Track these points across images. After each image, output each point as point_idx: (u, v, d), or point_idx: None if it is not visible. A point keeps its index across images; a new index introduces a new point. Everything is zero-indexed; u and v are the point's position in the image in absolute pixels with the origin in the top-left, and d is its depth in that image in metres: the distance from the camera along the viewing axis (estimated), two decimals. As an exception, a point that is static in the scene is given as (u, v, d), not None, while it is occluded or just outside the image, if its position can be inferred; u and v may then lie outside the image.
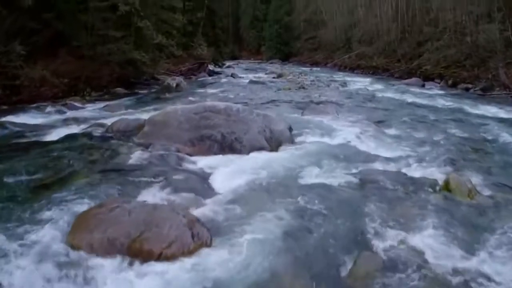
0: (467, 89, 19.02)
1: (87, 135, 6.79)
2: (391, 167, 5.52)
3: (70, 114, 10.21)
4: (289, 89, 16.23)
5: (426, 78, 23.46)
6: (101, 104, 11.70)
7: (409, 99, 14.38)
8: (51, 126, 7.87)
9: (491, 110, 11.82)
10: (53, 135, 6.91)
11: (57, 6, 14.30)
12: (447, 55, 23.23)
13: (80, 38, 14.92)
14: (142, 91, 16.14)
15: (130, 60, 16.29)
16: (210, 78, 23.85)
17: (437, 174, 5.18)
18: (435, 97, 15.32)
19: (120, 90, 15.58)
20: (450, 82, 21.14)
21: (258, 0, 64.55)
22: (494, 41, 19.21)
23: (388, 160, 5.82)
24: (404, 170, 5.38)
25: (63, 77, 13.71)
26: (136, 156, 5.47)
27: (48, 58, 14.08)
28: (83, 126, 7.61)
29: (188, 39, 26.50)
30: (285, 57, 54.21)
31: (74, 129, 7.47)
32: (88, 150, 5.77)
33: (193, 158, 5.68)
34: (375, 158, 5.93)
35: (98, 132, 6.95)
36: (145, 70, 17.81)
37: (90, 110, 11.01)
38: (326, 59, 44.29)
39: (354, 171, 5.27)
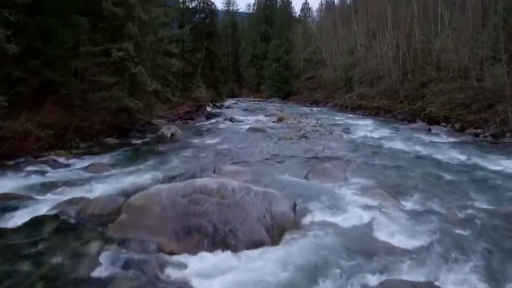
0: (476, 135, 18.17)
1: (54, 219, 5.73)
2: (419, 273, 4.44)
3: (49, 176, 9.20)
4: (290, 138, 15.33)
5: (431, 120, 22.71)
6: (87, 162, 10.71)
7: (419, 150, 13.47)
8: (19, 199, 6.83)
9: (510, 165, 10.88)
10: (15, 218, 5.86)
11: (46, 52, 13.57)
12: (452, 97, 22.60)
13: (69, 86, 14.10)
14: (135, 141, 15.22)
15: (123, 108, 15.48)
16: (207, 122, 23.06)
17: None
18: (446, 147, 14.39)
19: (111, 140, 14.67)
20: (457, 126, 20.35)
21: (258, 39, 65.22)
22: (502, 84, 18.55)
23: (414, 260, 4.75)
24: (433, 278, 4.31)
25: (50, 128, 12.76)
26: (105, 261, 4.40)
27: (34, 108, 13.24)
28: (54, 202, 6.56)
29: (186, 80, 25.99)
30: (285, 96, 54.15)
31: (43, 206, 6.41)
32: (46, 250, 4.71)
33: (177, 259, 4.62)
34: (398, 255, 4.87)
35: (69, 214, 5.90)
36: (139, 117, 17.01)
37: (72, 169, 10.01)
38: (326, 98, 43.99)
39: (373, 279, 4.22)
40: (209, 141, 15.26)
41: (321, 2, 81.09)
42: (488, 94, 19.94)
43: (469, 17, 24.79)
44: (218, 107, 31.66)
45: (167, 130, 15.63)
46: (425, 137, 17.13)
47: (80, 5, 14.73)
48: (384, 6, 40.32)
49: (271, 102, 49.79)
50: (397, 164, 10.86)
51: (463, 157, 12.09)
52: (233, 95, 65.09)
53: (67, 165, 10.56)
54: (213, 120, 24.36)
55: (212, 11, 31.76)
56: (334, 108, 37.56)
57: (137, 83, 15.87)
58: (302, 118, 24.33)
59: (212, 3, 31.87)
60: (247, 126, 19.40)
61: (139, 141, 15.25)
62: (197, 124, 22.17)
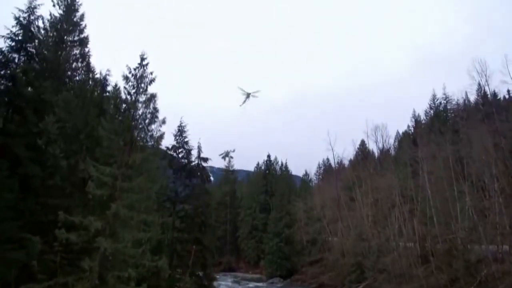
0: None
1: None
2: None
3: None
4: None
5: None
6: None
7: None
8: None
9: None
10: None
11: None
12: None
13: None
14: None
15: None
16: None
17: None
18: None
19: None
20: None
21: (257, 209, 62.56)
22: None
23: None
24: None
25: None
26: None
27: None
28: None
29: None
30: (287, 273, 48.95)
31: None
32: None
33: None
34: None
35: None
36: None
37: None
38: (333, 281, 38.86)
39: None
40: None
41: (319, 165, 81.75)
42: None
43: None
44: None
45: None
46: None
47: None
48: (390, 179, 38.64)
49: (271, 283, 44.36)
50: None
51: None
52: (230, 269, 59.36)
53: None
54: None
55: (207, 176, 29.78)
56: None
57: None
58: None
59: (205, 168, 29.99)
60: None
61: None
62: None
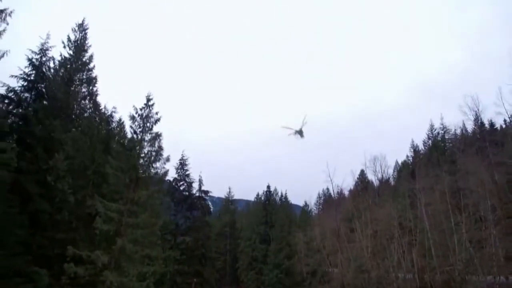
0: None
1: None
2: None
3: None
4: None
5: None
6: None
7: None
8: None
9: None
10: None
11: None
12: None
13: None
14: None
15: None
16: None
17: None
18: None
19: None
20: None
21: (257, 240, 62.25)
22: None
23: None
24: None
25: None
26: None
27: None
28: None
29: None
30: (288, 306, 48.48)
31: None
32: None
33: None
34: None
35: None
36: None
37: None
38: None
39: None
40: None
41: (319, 195, 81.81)
42: None
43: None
44: None
45: None
46: None
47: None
48: (388, 211, 38.93)
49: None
50: None
51: None
52: (229, 301, 58.59)
53: None
54: None
55: (207, 209, 30.21)
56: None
57: None
58: None
59: (206, 200, 30.50)
60: None
61: None
62: None
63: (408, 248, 33.39)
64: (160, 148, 17.60)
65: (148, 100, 17.78)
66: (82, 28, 22.20)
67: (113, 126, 21.76)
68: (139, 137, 17.35)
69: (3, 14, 15.16)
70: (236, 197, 76.92)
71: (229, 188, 73.51)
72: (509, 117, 38.39)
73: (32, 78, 19.21)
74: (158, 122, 17.57)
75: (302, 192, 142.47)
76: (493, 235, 26.83)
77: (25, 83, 19.11)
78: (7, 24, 15.22)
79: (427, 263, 29.60)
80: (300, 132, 12.47)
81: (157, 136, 17.51)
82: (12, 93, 18.24)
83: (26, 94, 19.10)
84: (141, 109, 17.78)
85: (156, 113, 17.66)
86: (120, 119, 21.53)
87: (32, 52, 19.51)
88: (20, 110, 18.00)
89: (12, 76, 18.60)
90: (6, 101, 18.24)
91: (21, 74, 19.09)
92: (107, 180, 16.74)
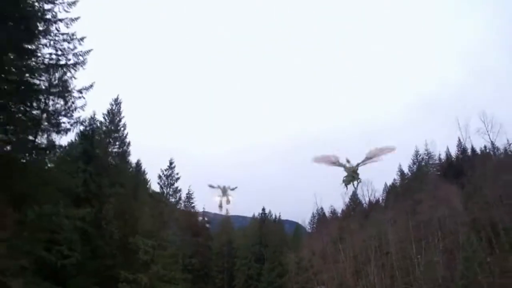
0: None
1: None
2: None
3: None
4: None
5: None
6: None
7: None
8: None
9: None
10: None
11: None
12: None
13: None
14: None
15: None
16: None
17: None
18: None
19: None
20: None
21: (252, 260, 67.65)
22: None
23: None
24: None
25: None
26: None
27: None
28: None
29: None
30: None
31: None
32: None
33: None
34: None
35: None
36: None
37: None
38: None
39: None
40: None
41: (313, 214, 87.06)
42: None
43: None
44: None
45: None
46: None
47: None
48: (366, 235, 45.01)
49: None
50: None
51: None
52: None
53: None
54: None
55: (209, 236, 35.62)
56: None
57: None
58: None
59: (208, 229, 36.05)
60: None
61: None
62: None
63: (381, 270, 39.60)
64: (180, 198, 24.42)
65: (171, 163, 24.56)
66: (117, 102, 28.62)
67: (140, 178, 28.44)
68: (165, 191, 24.12)
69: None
70: (232, 213, 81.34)
71: (227, 210, 78.53)
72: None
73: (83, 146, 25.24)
74: (178, 180, 24.43)
75: (296, 209, 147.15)
76: (441, 260, 33.23)
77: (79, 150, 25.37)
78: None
79: (393, 282, 35.86)
80: (225, 191, 12.49)
81: (178, 190, 24.35)
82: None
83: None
84: (165, 170, 24.56)
85: (177, 174, 24.59)
86: (144, 171, 28.13)
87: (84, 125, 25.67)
88: (80, 175, 24.17)
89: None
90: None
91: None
92: (142, 224, 23.27)
